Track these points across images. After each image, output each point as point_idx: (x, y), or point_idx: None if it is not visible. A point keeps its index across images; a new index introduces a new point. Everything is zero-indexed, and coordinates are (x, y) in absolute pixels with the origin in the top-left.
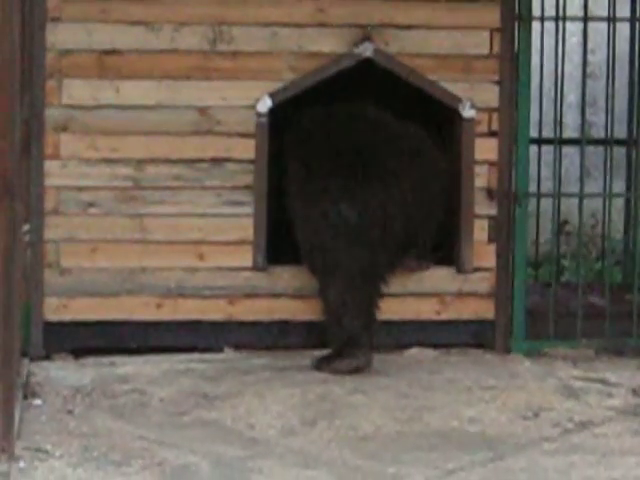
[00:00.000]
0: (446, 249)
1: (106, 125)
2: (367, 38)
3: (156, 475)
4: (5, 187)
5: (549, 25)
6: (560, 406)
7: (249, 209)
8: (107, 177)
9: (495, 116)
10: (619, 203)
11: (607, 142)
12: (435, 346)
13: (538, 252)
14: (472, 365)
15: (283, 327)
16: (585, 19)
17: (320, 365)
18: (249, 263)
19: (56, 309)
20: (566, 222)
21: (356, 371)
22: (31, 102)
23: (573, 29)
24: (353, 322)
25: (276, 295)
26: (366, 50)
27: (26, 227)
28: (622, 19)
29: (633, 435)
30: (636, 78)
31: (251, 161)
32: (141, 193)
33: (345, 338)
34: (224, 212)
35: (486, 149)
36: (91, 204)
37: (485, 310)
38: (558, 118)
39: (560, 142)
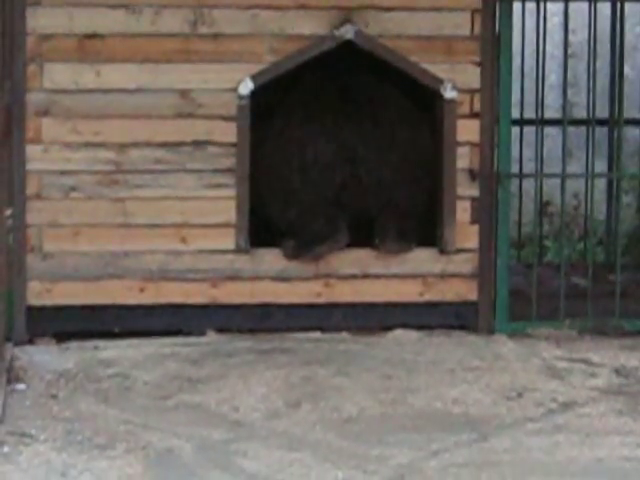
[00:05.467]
0: (429, 230)
1: (88, 109)
2: (348, 20)
3: (140, 459)
4: None
5: (530, 5)
6: (544, 386)
7: (231, 192)
8: (89, 161)
9: (477, 97)
10: (601, 183)
11: (589, 122)
12: (418, 327)
13: (521, 233)
14: (455, 346)
15: (266, 310)
16: None
17: (299, 252)
18: (232, 246)
19: (39, 293)
20: (548, 203)
21: (339, 249)
22: (12, 87)
23: (554, 9)
24: (324, 215)
25: (259, 278)
26: (347, 32)
27: (8, 212)
28: None
29: (617, 415)
30: (617, 58)
31: (233, 144)
32: (123, 177)
33: (319, 223)
34: (206, 195)
35: (468, 130)
36: (73, 188)
37: (468, 291)
38: (540, 99)
39: (542, 122)
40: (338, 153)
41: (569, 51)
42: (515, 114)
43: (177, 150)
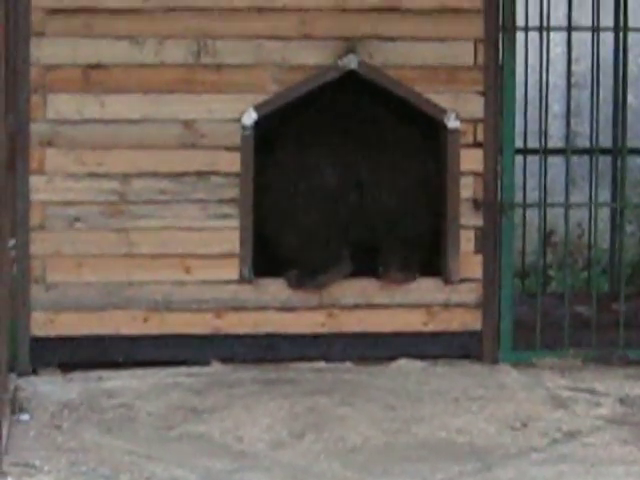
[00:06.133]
0: (432, 260)
1: (91, 139)
2: (351, 50)
3: None
4: None
5: (533, 35)
6: (548, 416)
7: (235, 222)
8: (93, 191)
9: (480, 127)
10: (605, 212)
11: (592, 151)
12: (422, 357)
13: (525, 262)
14: (460, 376)
15: (270, 340)
16: (569, 29)
17: (302, 283)
18: (236, 276)
19: (43, 324)
20: (552, 232)
21: (343, 278)
22: (16, 117)
23: (557, 39)
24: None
25: (263, 308)
26: (350, 62)
27: (12, 242)
28: (606, 29)
29: (621, 444)
30: (620, 87)
31: (237, 174)
32: (127, 207)
33: (322, 254)
34: (210, 225)
35: (471, 160)
36: (77, 219)
37: (472, 321)
38: (543, 128)
39: (545, 152)
40: (341, 182)
41: (572, 81)
42: (518, 143)
43: (181, 180)
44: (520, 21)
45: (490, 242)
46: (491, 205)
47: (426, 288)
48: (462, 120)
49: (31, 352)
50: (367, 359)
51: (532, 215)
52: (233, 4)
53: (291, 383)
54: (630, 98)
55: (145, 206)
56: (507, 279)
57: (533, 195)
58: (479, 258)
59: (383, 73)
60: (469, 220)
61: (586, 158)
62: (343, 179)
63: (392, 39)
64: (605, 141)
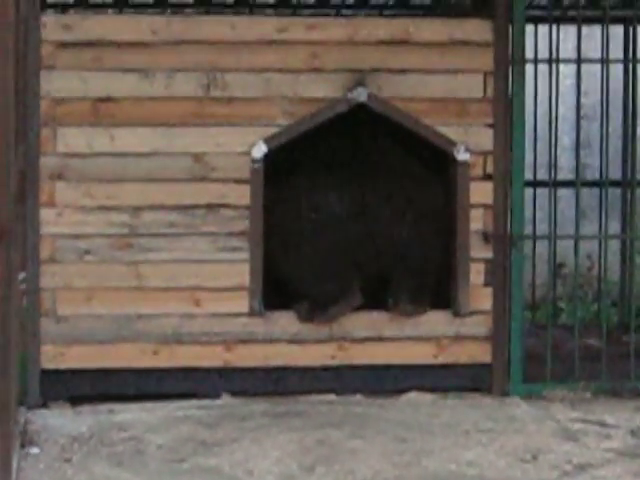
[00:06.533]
0: (442, 292)
1: (101, 173)
2: (361, 83)
3: None
4: (1, 236)
5: (543, 67)
6: (559, 448)
7: (245, 255)
8: (103, 224)
9: (490, 159)
10: (615, 244)
11: (602, 184)
12: (433, 390)
13: (535, 294)
14: (470, 408)
15: (280, 373)
16: (578, 61)
17: (312, 315)
18: (245, 309)
19: (53, 357)
20: (562, 264)
21: (352, 311)
22: (26, 150)
23: (566, 71)
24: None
25: (273, 341)
26: (360, 95)
27: (22, 275)
28: (615, 61)
29: (633, 477)
30: (629, 120)
31: (246, 207)
32: (137, 240)
33: (331, 287)
34: (220, 258)
35: (481, 192)
36: (87, 251)
37: (482, 353)
38: (553, 160)
39: (555, 184)
40: (351, 213)
41: (582, 113)
42: (528, 176)
43: (191, 213)
44: (529, 53)
45: (500, 274)
46: (501, 237)
47: (436, 320)
48: (472, 152)
49: (41, 385)
50: (377, 392)
51: (542, 247)
52: (243, 37)
53: (301, 416)
54: (639, 130)
55: (155, 239)
56: (517, 311)
57: (543, 227)
58: (489, 290)
59: (392, 106)
60: (479, 252)
61: (596, 190)
62: (352, 211)
63: (401, 72)
64: (615, 173)
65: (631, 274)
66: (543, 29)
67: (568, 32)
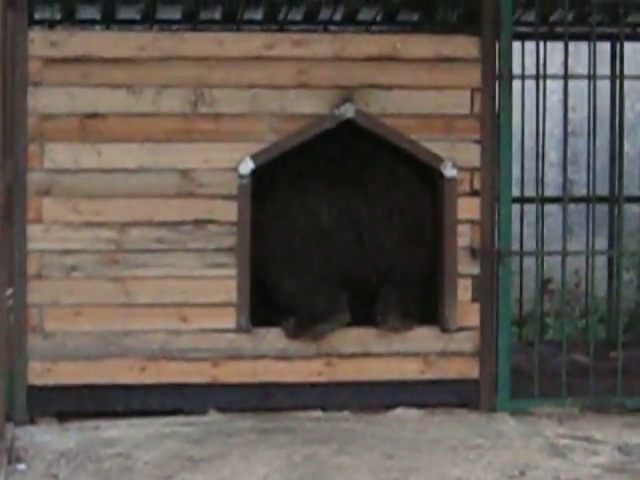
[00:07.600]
0: (430, 308)
1: (88, 189)
2: (348, 99)
3: None
4: None
5: (530, 83)
6: (546, 464)
7: (232, 271)
8: (90, 240)
9: (477, 175)
10: (602, 260)
11: (589, 200)
12: (420, 406)
13: (522, 310)
14: (457, 425)
15: (267, 389)
16: (565, 77)
17: (300, 331)
18: (232, 325)
19: (40, 373)
20: (549, 280)
21: (340, 328)
22: (13, 166)
23: (554, 87)
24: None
25: (260, 357)
26: (347, 111)
27: (9, 291)
28: (602, 77)
29: None
30: (617, 136)
31: (234, 223)
32: (124, 256)
33: (319, 303)
34: (207, 274)
35: (468, 208)
36: (74, 268)
37: (469, 369)
38: (540, 176)
39: (542, 200)
40: (338, 230)
41: (569, 129)
42: (515, 192)
43: (178, 229)
44: (517, 69)
45: (487, 290)
46: (488, 253)
47: (423, 337)
48: (459, 169)
49: (28, 401)
50: (364, 408)
51: (529, 263)
52: (230, 53)
53: (288, 432)
54: (627, 146)
55: (142, 255)
56: (504, 327)
57: (530, 243)
58: (476, 306)
59: (380, 122)
60: (466, 268)
61: (583, 206)
62: (340, 227)
63: (389, 88)
64: (602, 189)
65: (618, 290)
66: (530, 45)
67: (555, 48)
